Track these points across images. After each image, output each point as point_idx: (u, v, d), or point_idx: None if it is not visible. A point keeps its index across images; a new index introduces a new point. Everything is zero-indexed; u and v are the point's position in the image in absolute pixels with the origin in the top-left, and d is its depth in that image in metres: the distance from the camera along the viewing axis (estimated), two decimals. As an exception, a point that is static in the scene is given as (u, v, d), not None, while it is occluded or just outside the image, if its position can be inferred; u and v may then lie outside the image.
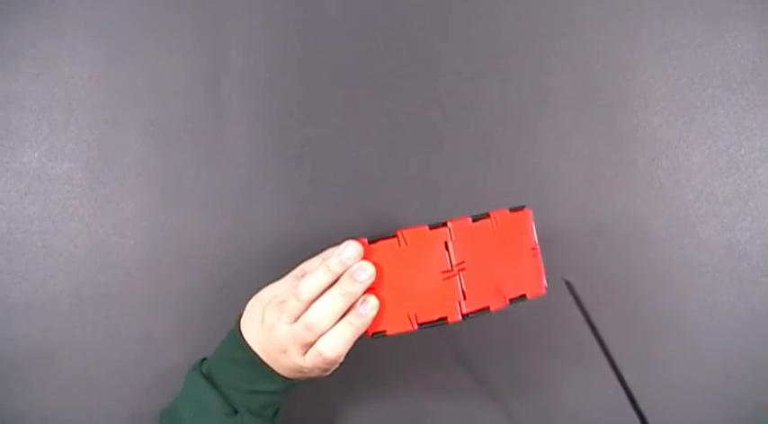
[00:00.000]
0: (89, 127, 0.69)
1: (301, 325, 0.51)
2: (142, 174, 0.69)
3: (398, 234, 0.51)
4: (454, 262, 0.50)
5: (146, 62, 0.70)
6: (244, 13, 0.71)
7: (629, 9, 0.72)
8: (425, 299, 0.50)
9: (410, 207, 0.71)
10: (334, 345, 0.51)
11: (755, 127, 0.71)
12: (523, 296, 0.53)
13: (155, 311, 0.68)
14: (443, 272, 0.50)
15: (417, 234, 0.50)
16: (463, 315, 0.50)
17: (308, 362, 0.52)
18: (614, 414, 0.69)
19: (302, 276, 0.55)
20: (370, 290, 0.51)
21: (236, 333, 0.56)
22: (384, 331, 0.51)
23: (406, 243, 0.50)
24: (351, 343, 0.52)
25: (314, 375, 0.54)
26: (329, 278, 0.51)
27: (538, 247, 0.56)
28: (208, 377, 0.56)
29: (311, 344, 0.52)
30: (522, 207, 0.55)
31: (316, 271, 0.51)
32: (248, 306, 0.57)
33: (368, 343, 0.66)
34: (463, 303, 0.50)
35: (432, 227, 0.50)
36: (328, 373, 0.54)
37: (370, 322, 0.51)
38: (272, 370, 0.54)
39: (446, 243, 0.50)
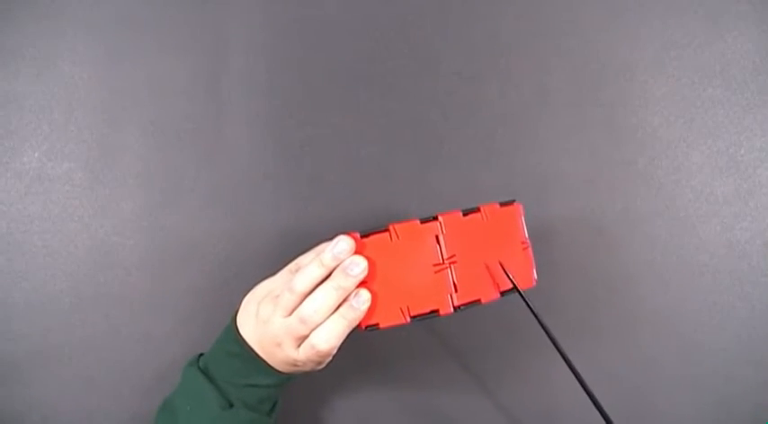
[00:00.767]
0: (89, 127, 0.69)
1: (296, 318, 0.52)
2: (142, 174, 0.69)
3: (390, 227, 0.51)
4: (445, 255, 0.51)
5: (146, 62, 0.70)
6: (244, 13, 0.71)
7: (629, 9, 0.72)
8: (417, 292, 0.51)
9: (410, 207, 0.71)
10: (328, 338, 0.51)
11: (755, 127, 0.71)
12: (514, 290, 0.54)
13: (155, 311, 0.68)
14: (435, 265, 0.51)
15: (409, 228, 0.51)
16: (455, 308, 0.51)
17: (302, 355, 0.53)
18: (614, 414, 0.70)
19: (296, 270, 0.55)
20: (362, 284, 0.52)
21: (233, 328, 0.56)
22: (377, 324, 0.52)
23: (398, 237, 0.51)
24: (343, 336, 0.52)
25: (308, 368, 0.55)
26: (323, 273, 0.52)
27: (528, 241, 0.57)
28: (204, 372, 0.57)
29: (305, 337, 0.52)
30: (512, 202, 0.56)
31: (309, 265, 0.52)
32: (244, 302, 0.57)
33: (364, 338, 0.66)
34: (454, 295, 0.51)
35: (423, 221, 0.51)
36: (322, 366, 0.55)
37: (362, 316, 0.51)
38: (267, 364, 0.55)
39: (437, 237, 0.51)
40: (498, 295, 0.53)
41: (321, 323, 0.52)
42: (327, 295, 0.51)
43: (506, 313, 0.70)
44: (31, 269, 0.68)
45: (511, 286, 0.54)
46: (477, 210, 0.53)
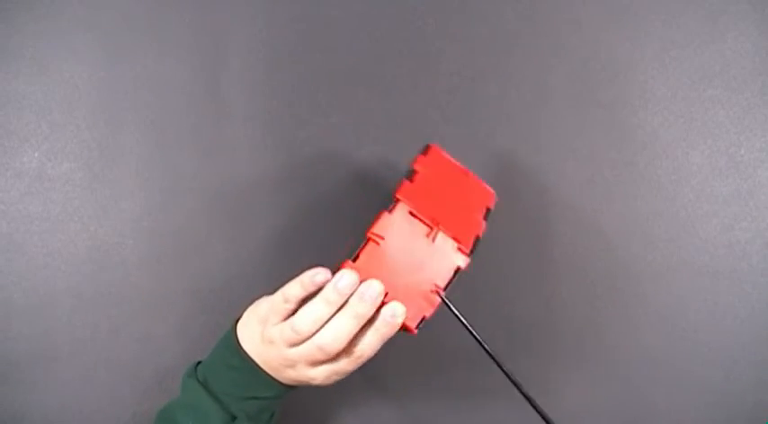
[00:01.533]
0: (89, 127, 0.69)
1: (313, 346, 0.51)
2: (142, 174, 0.69)
3: (370, 235, 0.52)
4: (429, 222, 0.53)
5: (146, 62, 0.70)
6: (244, 12, 0.71)
7: (629, 9, 0.72)
8: (431, 266, 0.53)
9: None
10: (360, 359, 0.52)
11: (755, 127, 0.71)
12: (489, 209, 0.57)
13: (155, 311, 0.68)
14: (427, 236, 0.53)
15: (384, 224, 0.53)
16: (468, 254, 0.53)
17: (321, 376, 0.53)
18: (614, 414, 0.70)
19: (285, 301, 0.53)
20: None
21: (233, 340, 0.55)
22: (423, 317, 0.52)
23: (382, 238, 0.52)
24: (377, 348, 0.52)
25: (327, 383, 0.54)
26: (330, 311, 0.51)
27: (464, 167, 0.58)
28: (204, 384, 0.56)
29: (324, 362, 0.52)
30: (428, 146, 0.58)
31: (312, 305, 0.51)
32: (245, 317, 0.56)
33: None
34: (459, 246, 0.53)
35: (390, 210, 0.53)
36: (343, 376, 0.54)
37: (399, 325, 0.51)
38: (270, 377, 0.54)
39: (411, 213, 0.53)
40: (484, 222, 0.56)
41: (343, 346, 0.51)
42: (347, 324, 0.50)
43: (515, 321, 0.70)
44: (31, 269, 0.68)
45: (485, 208, 0.56)
46: (415, 171, 0.55)
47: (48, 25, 0.69)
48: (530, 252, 0.70)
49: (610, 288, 0.70)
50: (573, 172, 0.71)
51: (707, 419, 0.69)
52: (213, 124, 0.70)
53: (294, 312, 0.52)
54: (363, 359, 0.52)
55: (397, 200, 0.53)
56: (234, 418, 0.55)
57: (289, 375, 0.54)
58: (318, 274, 0.52)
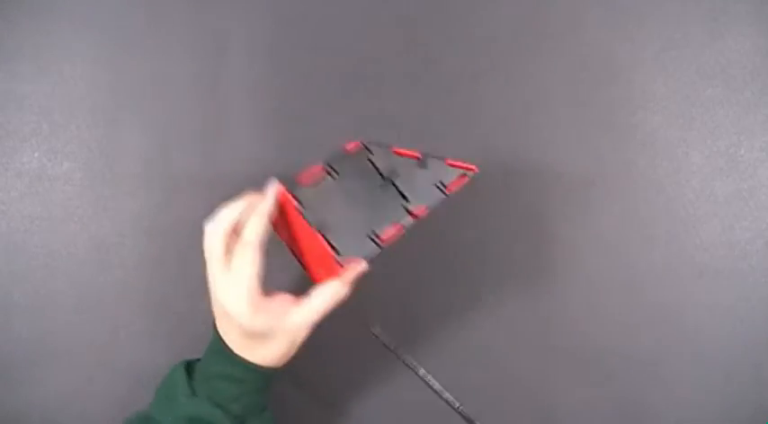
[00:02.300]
0: (89, 127, 0.69)
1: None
2: (142, 174, 0.69)
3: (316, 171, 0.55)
4: (385, 173, 0.56)
5: (146, 62, 0.70)
6: (244, 13, 0.71)
7: (629, 9, 0.72)
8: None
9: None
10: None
11: (755, 127, 0.71)
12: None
13: (155, 311, 0.68)
14: (380, 186, 0.55)
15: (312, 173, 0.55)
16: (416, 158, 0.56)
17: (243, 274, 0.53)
18: (614, 414, 0.70)
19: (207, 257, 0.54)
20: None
21: (228, 354, 0.54)
22: (380, 239, 0.54)
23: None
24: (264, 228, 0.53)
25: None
26: (235, 214, 0.53)
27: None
28: (209, 400, 0.54)
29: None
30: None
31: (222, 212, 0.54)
32: (220, 331, 0.56)
33: (364, 346, 0.66)
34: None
35: (330, 171, 0.56)
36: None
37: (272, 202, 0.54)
38: (265, 367, 0.54)
39: (370, 160, 0.56)
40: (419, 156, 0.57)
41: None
42: (236, 205, 0.54)
43: (514, 321, 0.70)
44: (31, 269, 0.68)
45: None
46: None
47: (48, 25, 0.69)
48: (530, 252, 0.70)
49: (609, 288, 0.70)
50: (573, 172, 0.71)
51: (707, 419, 0.69)
52: (213, 124, 0.70)
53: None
54: (253, 245, 0.52)
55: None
56: (243, 422, 0.54)
57: (268, 348, 0.53)
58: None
